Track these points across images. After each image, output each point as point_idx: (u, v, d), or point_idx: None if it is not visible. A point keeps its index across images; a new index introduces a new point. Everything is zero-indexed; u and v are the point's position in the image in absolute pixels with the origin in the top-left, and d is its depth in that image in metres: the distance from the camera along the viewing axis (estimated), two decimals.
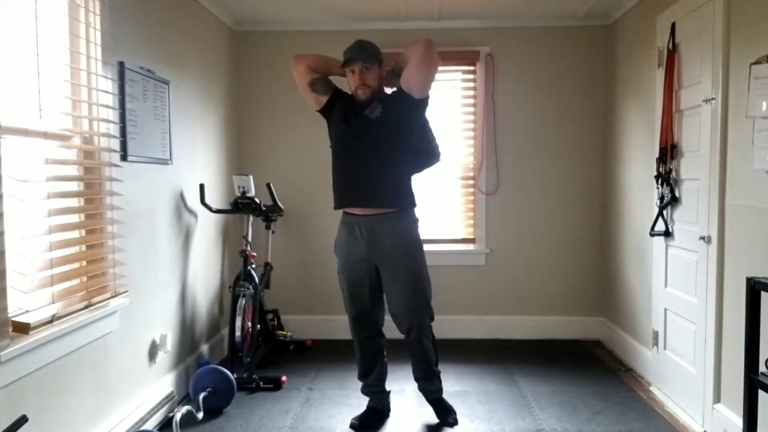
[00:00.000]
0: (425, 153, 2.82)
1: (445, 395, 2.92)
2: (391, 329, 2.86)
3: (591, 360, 3.83)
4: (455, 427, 2.84)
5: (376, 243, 2.68)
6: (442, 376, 2.94)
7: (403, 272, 2.69)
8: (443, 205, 4.29)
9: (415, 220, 2.78)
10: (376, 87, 2.67)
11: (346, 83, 2.76)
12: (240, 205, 3.56)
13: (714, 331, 2.65)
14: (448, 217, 4.30)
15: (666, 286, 3.16)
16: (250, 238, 3.59)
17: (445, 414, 2.88)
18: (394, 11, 3.90)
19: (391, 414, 2.96)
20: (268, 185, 3.71)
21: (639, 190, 3.54)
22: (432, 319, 2.83)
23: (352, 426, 2.83)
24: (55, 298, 2.09)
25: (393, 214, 2.68)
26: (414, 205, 2.78)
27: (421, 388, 2.91)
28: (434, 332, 2.88)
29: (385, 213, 2.67)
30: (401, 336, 2.82)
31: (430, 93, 2.73)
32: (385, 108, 2.66)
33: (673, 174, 3.05)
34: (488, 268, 4.30)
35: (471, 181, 4.28)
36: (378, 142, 2.65)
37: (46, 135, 2.08)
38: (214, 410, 3.00)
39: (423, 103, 2.70)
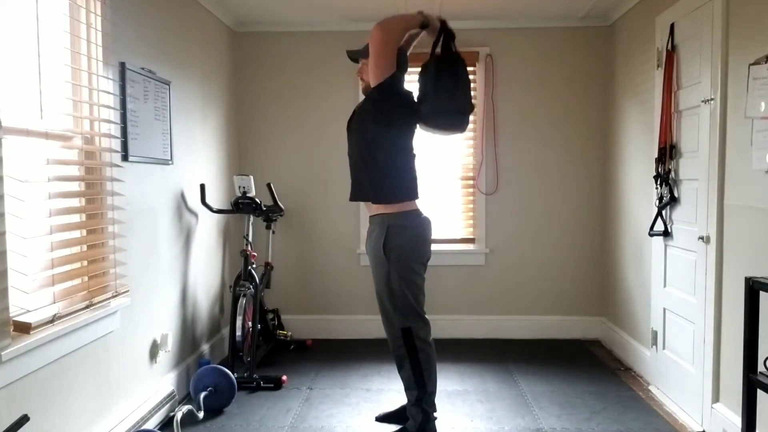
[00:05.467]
0: (428, 110, 2.51)
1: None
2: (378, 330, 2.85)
3: (590, 359, 3.83)
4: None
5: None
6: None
7: (374, 280, 2.67)
8: (443, 205, 4.29)
9: (393, 224, 2.54)
10: (368, 82, 2.64)
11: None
12: (240, 205, 3.56)
13: (713, 331, 2.66)
14: (448, 217, 4.31)
15: (665, 285, 3.17)
16: (250, 238, 3.60)
17: (398, 420, 2.83)
18: (394, 12, 3.90)
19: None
20: (268, 185, 3.72)
21: (638, 191, 3.55)
22: (406, 332, 2.57)
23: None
24: (56, 298, 2.10)
25: (375, 218, 2.62)
26: (390, 201, 2.55)
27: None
28: (434, 332, 2.76)
29: (373, 216, 2.64)
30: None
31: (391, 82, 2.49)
32: (364, 101, 2.67)
33: (672, 174, 3.06)
34: (488, 268, 4.31)
35: (471, 181, 4.29)
36: (350, 135, 2.70)
37: (47, 135, 2.09)
38: (214, 409, 3.01)
39: (376, 90, 2.49)
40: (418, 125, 2.64)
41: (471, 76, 4.20)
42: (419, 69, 2.56)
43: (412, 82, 2.60)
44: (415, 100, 2.61)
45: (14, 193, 1.90)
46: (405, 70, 2.65)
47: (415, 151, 2.65)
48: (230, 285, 3.57)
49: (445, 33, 2.56)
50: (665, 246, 3.15)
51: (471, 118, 4.18)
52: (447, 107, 2.51)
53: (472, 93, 4.12)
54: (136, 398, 2.71)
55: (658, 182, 3.11)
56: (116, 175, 2.50)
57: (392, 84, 2.49)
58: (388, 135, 2.55)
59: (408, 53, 2.72)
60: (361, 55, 2.68)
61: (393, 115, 2.54)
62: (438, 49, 2.57)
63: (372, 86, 2.50)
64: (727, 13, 2.56)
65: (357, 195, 2.67)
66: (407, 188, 2.60)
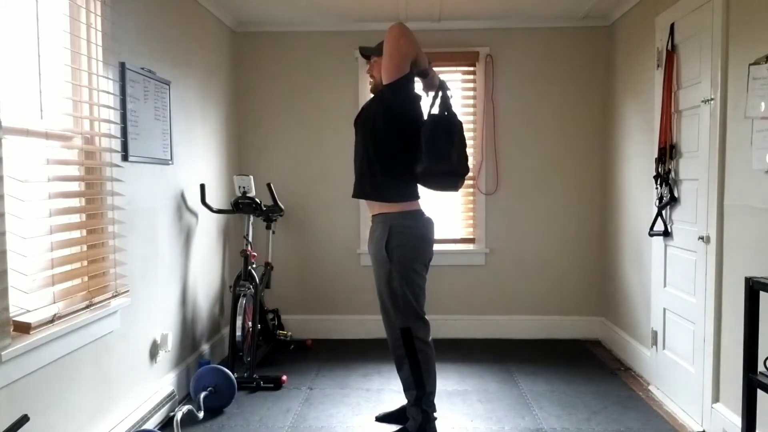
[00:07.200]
0: (426, 167, 2.48)
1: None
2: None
3: (590, 359, 3.83)
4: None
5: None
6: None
7: (375, 280, 2.66)
8: (443, 205, 4.29)
9: (396, 224, 2.54)
10: (378, 80, 2.64)
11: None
12: (240, 205, 3.56)
13: (713, 331, 2.66)
14: (448, 217, 4.31)
15: (665, 285, 3.17)
16: (250, 238, 3.60)
17: (398, 420, 2.84)
18: (395, 12, 3.91)
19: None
20: (268, 185, 3.72)
21: (638, 190, 3.55)
22: (406, 332, 2.56)
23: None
24: (56, 298, 2.10)
25: (377, 217, 2.62)
26: (393, 200, 2.55)
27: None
28: (434, 332, 2.75)
29: (375, 215, 2.64)
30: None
31: (402, 83, 2.48)
32: (373, 98, 2.66)
33: (672, 174, 3.06)
34: (488, 268, 4.31)
35: (471, 181, 4.29)
36: (357, 131, 2.69)
37: (47, 135, 2.09)
38: (214, 409, 3.02)
39: (389, 88, 2.49)
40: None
41: (470, 76, 4.23)
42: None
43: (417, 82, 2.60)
44: (422, 106, 2.62)
45: (14, 193, 1.90)
46: (414, 74, 2.61)
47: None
48: (230, 285, 3.57)
49: (442, 93, 2.59)
50: (665, 246, 3.15)
51: (471, 117, 4.25)
52: (441, 169, 2.48)
53: (471, 93, 4.22)
54: (136, 398, 2.71)
55: (658, 182, 3.11)
56: (116, 175, 2.50)
57: (404, 84, 2.49)
58: (395, 134, 2.54)
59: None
60: (374, 52, 2.67)
61: (402, 115, 2.54)
62: (435, 107, 2.58)
63: (384, 83, 2.49)
64: (727, 13, 2.56)
65: (360, 192, 2.66)
66: (410, 188, 2.60)
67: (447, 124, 2.54)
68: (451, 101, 2.62)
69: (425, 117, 2.59)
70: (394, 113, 2.52)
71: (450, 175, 2.53)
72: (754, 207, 2.36)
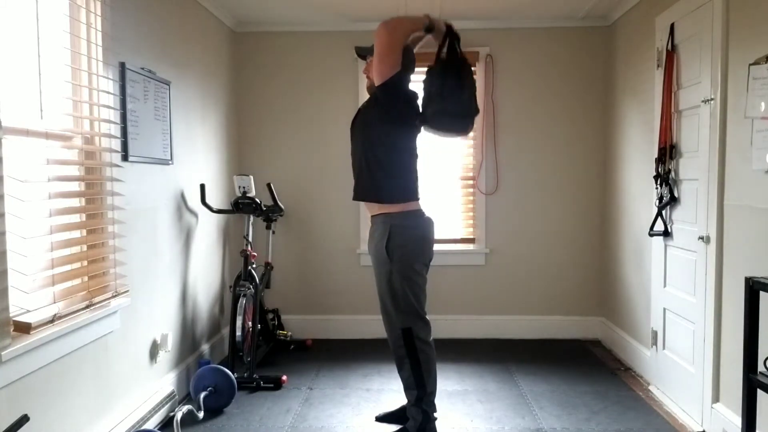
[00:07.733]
0: (434, 112, 2.50)
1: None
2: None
3: (590, 359, 3.83)
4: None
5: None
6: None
7: (376, 280, 2.66)
8: (443, 205, 4.29)
9: (396, 224, 2.53)
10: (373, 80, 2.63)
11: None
12: (240, 205, 3.57)
13: (713, 331, 2.66)
14: (448, 217, 4.31)
15: (665, 285, 3.17)
16: (250, 238, 3.60)
17: (398, 420, 2.84)
18: (394, 12, 3.90)
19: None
20: (268, 185, 3.72)
21: (638, 190, 3.55)
22: (407, 332, 2.57)
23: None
24: (56, 298, 2.10)
25: (377, 217, 2.61)
26: (393, 201, 2.55)
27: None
28: (434, 332, 2.73)
29: (375, 216, 2.64)
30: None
31: (395, 80, 2.47)
32: (368, 100, 2.66)
33: (672, 174, 3.06)
34: (488, 268, 4.31)
35: (471, 181, 4.29)
36: (354, 134, 2.69)
37: (47, 135, 2.09)
38: (214, 409, 3.02)
39: (381, 90, 2.49)
40: (422, 127, 2.61)
41: None
42: (425, 71, 2.54)
43: (417, 83, 2.59)
44: (420, 101, 2.60)
45: (14, 193, 1.90)
46: (411, 70, 2.62)
47: (417, 152, 2.64)
48: (230, 285, 3.57)
49: (450, 37, 2.56)
50: (665, 246, 3.15)
51: None
52: (452, 110, 2.50)
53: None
54: (136, 398, 2.71)
55: (658, 182, 3.11)
56: (116, 175, 2.50)
57: (396, 83, 2.48)
58: (392, 135, 2.54)
59: (414, 51, 2.70)
60: (369, 52, 2.66)
61: (397, 114, 2.54)
62: (444, 53, 2.55)
63: (376, 85, 2.49)
64: (727, 13, 2.57)
65: (360, 195, 2.66)
66: (410, 188, 2.60)
67: (456, 66, 2.52)
68: (460, 44, 2.57)
69: (434, 65, 2.54)
70: (389, 115, 2.52)
71: (461, 117, 2.54)
72: (754, 207, 2.36)
